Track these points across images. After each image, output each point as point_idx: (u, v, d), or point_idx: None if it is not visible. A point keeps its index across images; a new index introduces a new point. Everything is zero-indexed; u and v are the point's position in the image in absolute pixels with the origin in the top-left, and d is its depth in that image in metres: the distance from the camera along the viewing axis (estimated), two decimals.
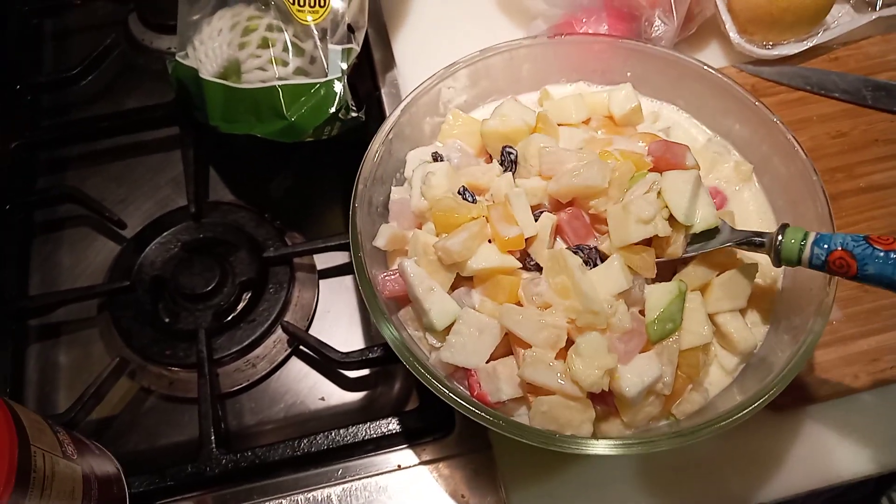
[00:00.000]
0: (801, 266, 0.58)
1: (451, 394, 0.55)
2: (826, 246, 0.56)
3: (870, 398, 0.70)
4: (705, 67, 0.70)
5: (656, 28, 0.80)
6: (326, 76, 0.75)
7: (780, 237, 0.58)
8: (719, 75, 0.70)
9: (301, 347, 0.78)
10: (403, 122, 0.70)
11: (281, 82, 0.75)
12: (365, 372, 0.77)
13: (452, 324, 0.59)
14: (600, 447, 0.54)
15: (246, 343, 0.77)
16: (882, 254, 0.53)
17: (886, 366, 0.70)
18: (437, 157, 0.69)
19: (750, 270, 0.62)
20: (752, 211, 0.70)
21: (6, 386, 0.76)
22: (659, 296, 0.58)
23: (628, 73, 0.73)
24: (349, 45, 0.77)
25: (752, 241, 0.61)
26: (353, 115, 0.77)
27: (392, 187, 0.70)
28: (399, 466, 0.69)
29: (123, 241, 0.85)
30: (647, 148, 0.65)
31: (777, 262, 0.59)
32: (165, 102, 0.90)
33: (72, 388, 0.78)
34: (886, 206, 0.78)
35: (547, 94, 0.74)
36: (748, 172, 0.71)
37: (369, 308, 0.60)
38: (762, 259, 0.62)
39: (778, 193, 0.70)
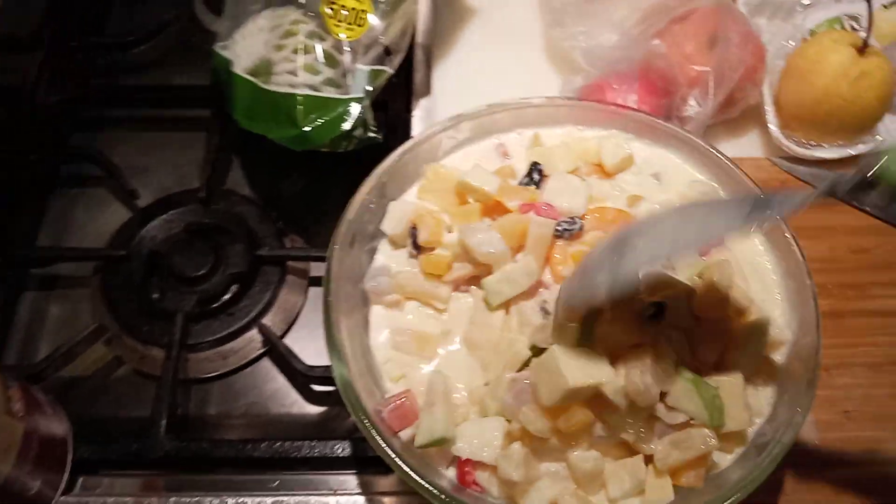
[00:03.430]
0: None
1: (387, 450, 0.56)
2: None
3: None
4: (720, 156, 0.69)
5: (689, 108, 0.78)
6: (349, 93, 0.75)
7: (883, 159, 0.48)
8: (736, 169, 0.68)
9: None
10: (399, 166, 0.70)
11: (303, 91, 0.75)
12: (331, 388, 0.77)
13: None
14: None
15: (221, 335, 0.78)
16: None
17: (852, 501, 0.67)
18: (413, 234, 0.68)
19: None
20: (748, 269, 0.68)
21: None
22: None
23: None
24: (381, 67, 0.77)
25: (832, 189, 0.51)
26: (371, 135, 0.77)
27: (378, 249, 0.70)
28: (335, 491, 0.69)
29: (134, 209, 0.87)
30: None
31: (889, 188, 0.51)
32: (207, 85, 0.92)
33: (54, 340, 0.80)
34: (890, 333, 0.75)
35: (538, 141, 0.74)
36: None
37: (327, 346, 0.61)
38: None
39: None
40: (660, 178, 0.71)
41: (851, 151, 0.84)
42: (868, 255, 0.79)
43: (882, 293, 0.77)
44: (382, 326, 0.67)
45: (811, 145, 0.84)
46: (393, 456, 0.56)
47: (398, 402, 0.60)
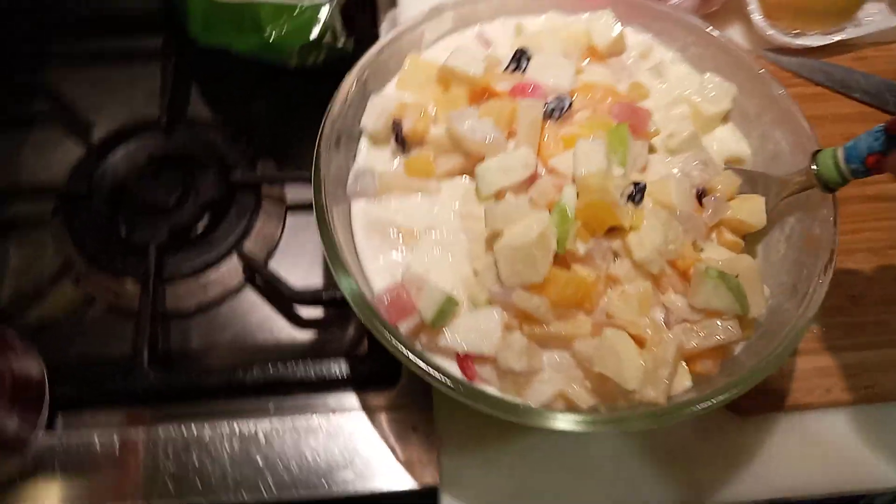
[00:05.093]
0: (848, 182, 0.59)
1: (416, 359, 0.52)
2: (858, 158, 0.58)
3: (839, 415, 0.66)
4: (714, 34, 0.67)
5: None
6: None
7: (814, 167, 0.60)
8: (736, 48, 0.66)
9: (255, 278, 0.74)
10: (382, 61, 0.66)
11: None
12: (319, 313, 0.74)
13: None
14: (562, 422, 0.51)
15: (199, 264, 0.74)
16: None
17: (861, 384, 0.66)
18: (397, 127, 0.63)
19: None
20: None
21: None
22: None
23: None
24: None
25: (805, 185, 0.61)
26: (340, 45, 0.73)
27: (359, 148, 0.65)
28: (333, 410, 0.66)
29: (89, 144, 0.81)
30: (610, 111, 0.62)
31: (826, 189, 0.60)
32: (155, 9, 0.86)
33: (16, 287, 0.75)
34: (892, 217, 0.74)
35: (520, 31, 0.70)
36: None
37: (330, 262, 0.56)
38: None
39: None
40: (661, 73, 0.69)
41: (835, 38, 0.82)
42: None
43: (879, 178, 0.75)
44: (366, 221, 0.62)
45: (795, 34, 0.82)
46: (411, 356, 0.52)
47: (394, 293, 0.56)
